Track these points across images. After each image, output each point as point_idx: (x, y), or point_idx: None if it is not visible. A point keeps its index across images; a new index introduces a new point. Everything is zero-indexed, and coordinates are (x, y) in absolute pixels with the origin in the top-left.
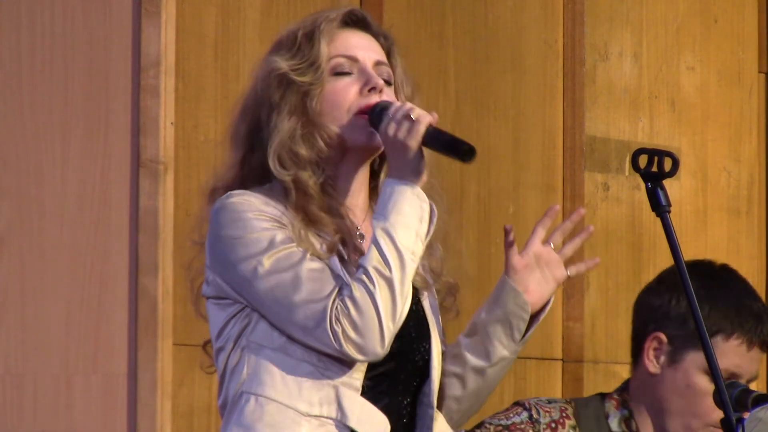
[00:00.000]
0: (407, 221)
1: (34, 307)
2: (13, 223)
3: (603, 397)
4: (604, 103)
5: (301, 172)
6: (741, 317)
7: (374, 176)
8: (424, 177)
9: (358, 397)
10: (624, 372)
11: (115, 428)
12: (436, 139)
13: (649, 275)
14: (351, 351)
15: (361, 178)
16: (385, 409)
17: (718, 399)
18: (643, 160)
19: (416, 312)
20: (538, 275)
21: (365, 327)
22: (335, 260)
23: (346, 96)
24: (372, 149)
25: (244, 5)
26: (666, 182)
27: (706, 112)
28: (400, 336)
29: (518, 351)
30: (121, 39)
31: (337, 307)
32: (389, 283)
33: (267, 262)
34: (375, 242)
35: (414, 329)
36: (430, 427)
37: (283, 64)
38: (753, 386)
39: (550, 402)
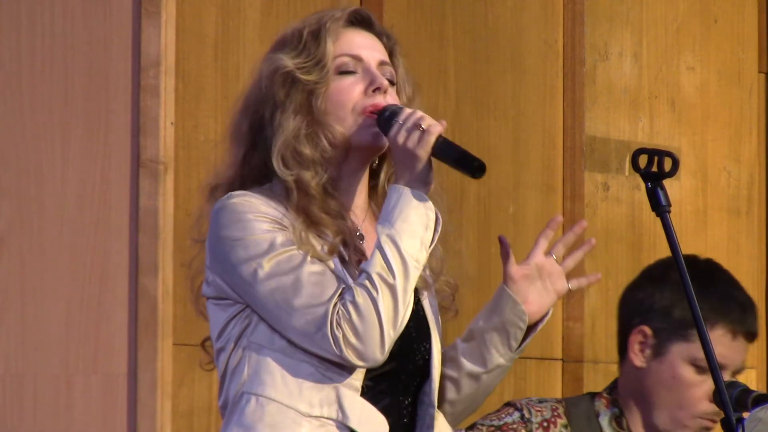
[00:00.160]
0: (413, 229)
1: (34, 307)
2: (13, 223)
3: (593, 396)
4: (604, 103)
5: (304, 173)
6: (726, 307)
7: (373, 176)
8: (432, 186)
9: (358, 398)
10: None
11: (115, 428)
12: (447, 152)
13: None
14: (351, 356)
15: (362, 178)
16: (385, 409)
17: (718, 399)
18: (643, 160)
19: (416, 312)
20: (539, 286)
21: (366, 333)
22: (336, 261)
23: (350, 95)
24: (376, 149)
25: (244, 5)
26: (666, 182)
27: (706, 112)
28: (401, 336)
29: (514, 359)
30: (121, 39)
31: (338, 312)
32: (392, 290)
33: (267, 265)
34: (380, 248)
35: (414, 329)
36: (430, 427)
37: (288, 62)
38: (753, 383)
39: (541, 401)
